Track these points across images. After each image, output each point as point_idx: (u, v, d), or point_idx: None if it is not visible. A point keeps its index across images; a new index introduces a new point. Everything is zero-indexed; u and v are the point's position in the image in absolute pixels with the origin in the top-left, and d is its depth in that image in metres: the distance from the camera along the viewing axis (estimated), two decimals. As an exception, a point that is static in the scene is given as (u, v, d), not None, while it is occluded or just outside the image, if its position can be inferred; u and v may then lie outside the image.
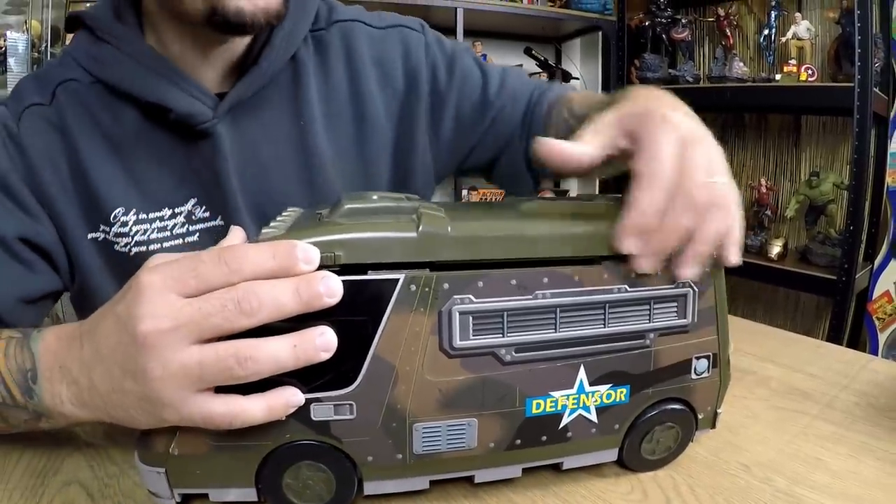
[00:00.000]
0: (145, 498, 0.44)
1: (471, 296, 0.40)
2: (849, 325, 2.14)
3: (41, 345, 0.45)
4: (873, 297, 2.17)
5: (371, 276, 0.39)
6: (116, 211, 0.68)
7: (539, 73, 2.61)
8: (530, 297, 0.42)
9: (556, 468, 0.48)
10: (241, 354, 0.36)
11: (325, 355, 0.37)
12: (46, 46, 1.97)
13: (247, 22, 0.61)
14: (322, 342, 0.37)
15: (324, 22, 0.78)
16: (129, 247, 0.69)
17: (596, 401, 0.45)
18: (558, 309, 0.42)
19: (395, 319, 0.39)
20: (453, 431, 0.42)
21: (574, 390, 0.44)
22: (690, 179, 0.43)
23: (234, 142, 0.70)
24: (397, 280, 0.39)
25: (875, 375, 0.74)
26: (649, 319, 0.45)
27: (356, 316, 0.39)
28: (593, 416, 0.46)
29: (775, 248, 2.08)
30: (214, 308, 0.36)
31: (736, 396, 0.67)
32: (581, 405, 0.45)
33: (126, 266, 0.69)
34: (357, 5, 0.83)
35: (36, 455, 0.53)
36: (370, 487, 0.43)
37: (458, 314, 0.40)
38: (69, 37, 2.11)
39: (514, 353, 0.42)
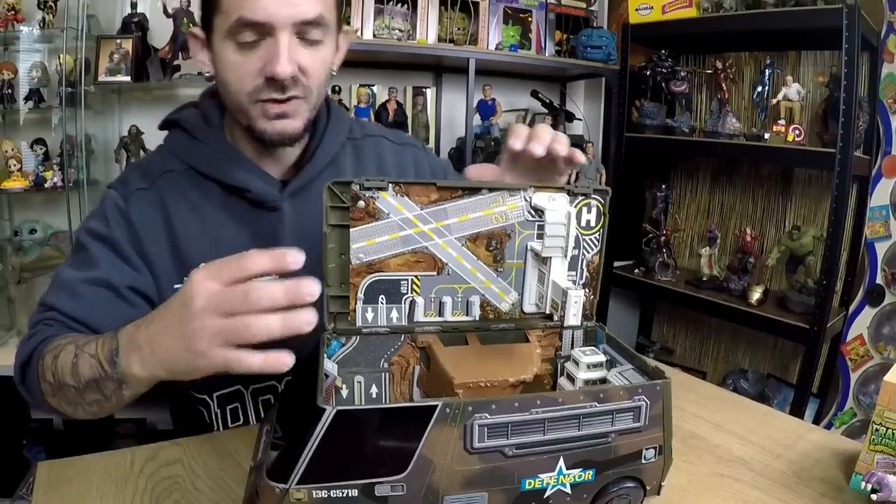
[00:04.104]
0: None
1: (486, 414, 0.59)
2: (821, 365, 2.32)
3: (123, 332, 0.69)
4: (847, 340, 2.35)
5: (418, 402, 0.58)
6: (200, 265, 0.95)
7: (545, 114, 2.76)
8: (527, 413, 0.60)
9: (541, 521, 0.67)
10: (243, 323, 0.57)
11: (310, 321, 0.58)
12: (80, 78, 2.02)
13: (268, 140, 0.90)
14: (307, 317, 0.58)
15: (358, 133, 1.08)
16: None
17: (570, 479, 0.64)
18: (546, 421, 0.61)
19: (434, 431, 0.58)
20: (471, 501, 0.61)
21: (555, 473, 0.63)
22: (536, 130, 0.86)
23: (293, 217, 0.96)
24: (436, 406, 0.58)
25: (808, 446, 0.91)
26: (612, 424, 0.64)
27: (409, 428, 0.57)
28: (568, 490, 0.65)
29: (756, 294, 2.23)
30: (235, 296, 0.58)
31: (685, 461, 0.85)
32: (560, 483, 0.64)
33: None
34: (377, 123, 1.13)
35: None
36: None
37: (477, 426, 0.59)
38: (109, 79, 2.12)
39: (514, 449, 0.61)
